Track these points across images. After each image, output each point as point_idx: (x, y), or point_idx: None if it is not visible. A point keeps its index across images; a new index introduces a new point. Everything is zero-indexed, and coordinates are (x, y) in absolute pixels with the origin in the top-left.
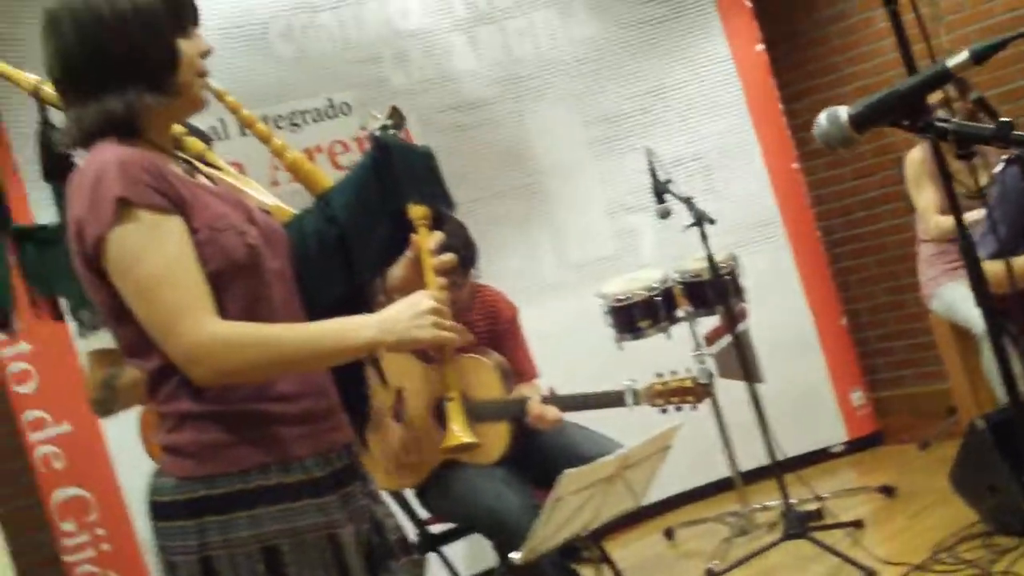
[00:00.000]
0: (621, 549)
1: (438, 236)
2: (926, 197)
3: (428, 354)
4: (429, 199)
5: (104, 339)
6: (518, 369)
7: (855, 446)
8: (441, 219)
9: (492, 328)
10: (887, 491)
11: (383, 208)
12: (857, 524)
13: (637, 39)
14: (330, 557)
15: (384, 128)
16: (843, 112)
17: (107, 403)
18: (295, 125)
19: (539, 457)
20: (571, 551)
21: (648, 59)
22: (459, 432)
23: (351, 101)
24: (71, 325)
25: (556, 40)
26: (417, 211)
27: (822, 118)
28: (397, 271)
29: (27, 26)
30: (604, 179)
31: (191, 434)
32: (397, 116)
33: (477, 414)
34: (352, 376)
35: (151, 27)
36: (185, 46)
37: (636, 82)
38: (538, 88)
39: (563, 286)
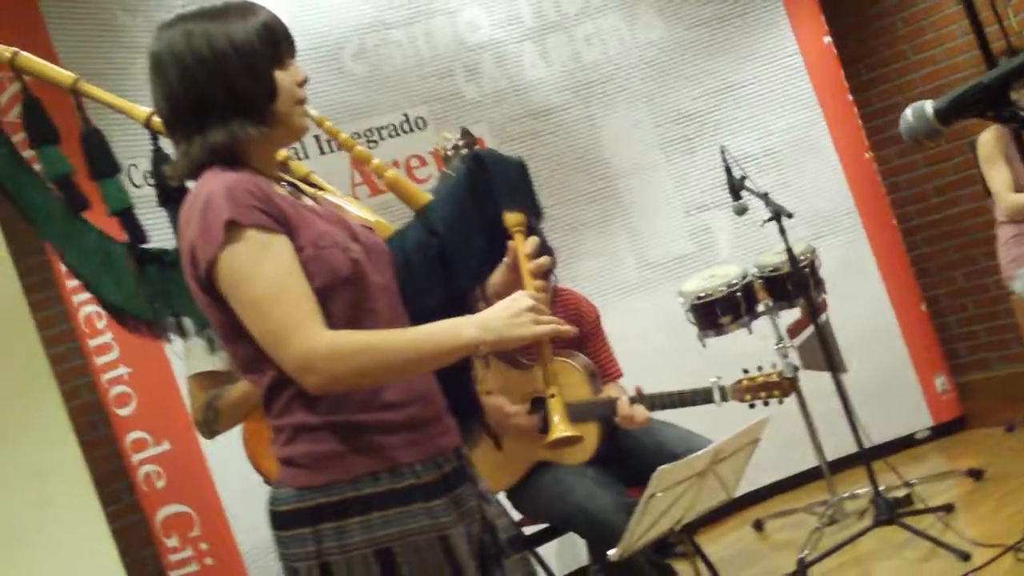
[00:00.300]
0: (711, 543)
1: (534, 241)
2: (1000, 177)
3: (515, 358)
4: (524, 206)
5: (203, 363)
6: (602, 369)
7: (940, 431)
8: (534, 225)
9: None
10: (975, 474)
11: (481, 218)
12: (947, 508)
13: (704, 39)
14: (442, 557)
15: (456, 149)
16: (929, 106)
17: (211, 423)
18: (372, 142)
19: (629, 456)
20: (664, 546)
21: (716, 58)
22: (562, 426)
23: (426, 115)
24: (167, 346)
25: (624, 44)
26: (513, 218)
27: (908, 114)
28: (496, 277)
29: (113, 60)
30: (678, 179)
31: (304, 446)
32: (468, 137)
33: (570, 415)
34: (460, 381)
35: (249, 64)
36: (282, 77)
37: (705, 81)
38: (609, 92)
39: (643, 286)
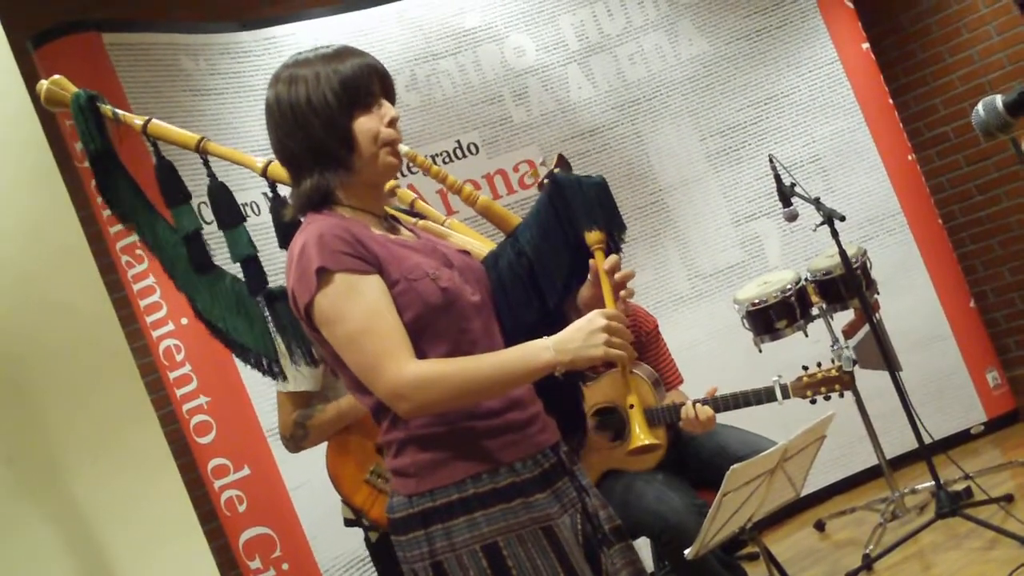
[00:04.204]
0: (774, 544)
1: (614, 259)
2: None
3: (581, 372)
4: (602, 225)
5: (296, 383)
6: (664, 377)
7: (995, 425)
8: (614, 243)
9: (636, 340)
10: None
11: (563, 238)
12: (1008, 499)
13: (745, 52)
14: (547, 547)
15: (552, 174)
16: (999, 100)
17: (299, 440)
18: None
19: (695, 460)
20: (732, 546)
21: (757, 70)
22: (643, 435)
23: (477, 141)
24: (243, 375)
25: (667, 61)
26: (593, 237)
27: (979, 108)
28: (585, 291)
29: (181, 103)
30: (725, 190)
31: (410, 457)
32: (563, 162)
33: None
34: (563, 389)
35: (325, 118)
36: (365, 123)
37: (748, 93)
38: (654, 109)
39: (694, 297)
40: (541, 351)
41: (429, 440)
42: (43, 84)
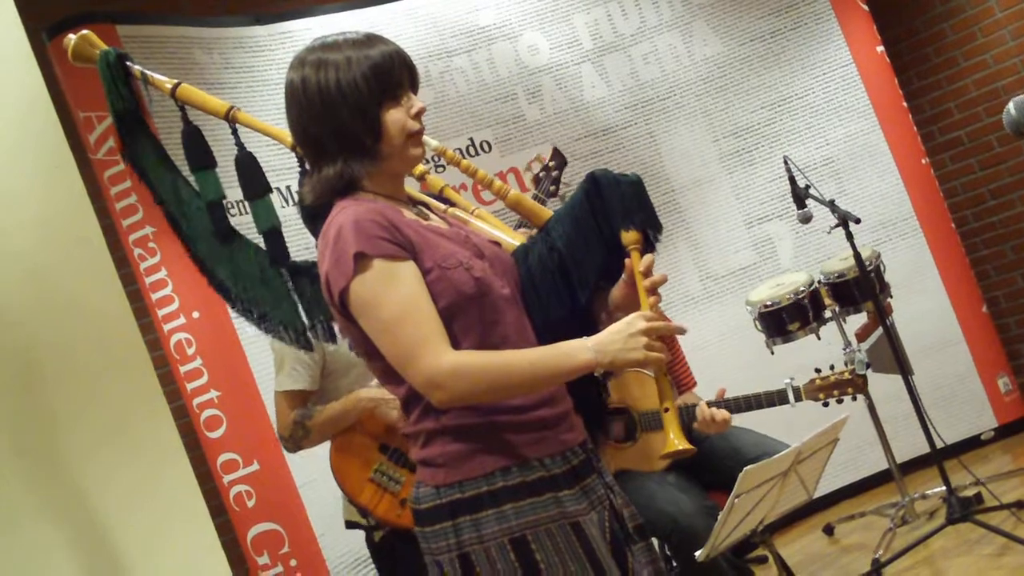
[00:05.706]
0: (783, 548)
1: (649, 259)
2: None
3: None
4: (639, 225)
5: (293, 381)
6: (678, 380)
7: (1005, 431)
8: (651, 243)
9: None
10: None
11: (598, 236)
12: (1019, 505)
13: (759, 53)
14: (575, 542)
15: (547, 170)
16: None
17: (299, 440)
18: (440, 167)
19: (707, 461)
20: (742, 548)
21: (772, 71)
22: (677, 440)
23: (490, 139)
24: (254, 368)
25: (681, 62)
26: (629, 236)
27: (1011, 107)
28: (617, 291)
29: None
30: (738, 191)
31: (438, 447)
32: (559, 157)
33: (648, 423)
34: (587, 388)
35: (354, 106)
36: (393, 114)
37: (762, 95)
38: (667, 109)
39: (706, 298)
40: (581, 351)
41: (459, 432)
42: (71, 38)
